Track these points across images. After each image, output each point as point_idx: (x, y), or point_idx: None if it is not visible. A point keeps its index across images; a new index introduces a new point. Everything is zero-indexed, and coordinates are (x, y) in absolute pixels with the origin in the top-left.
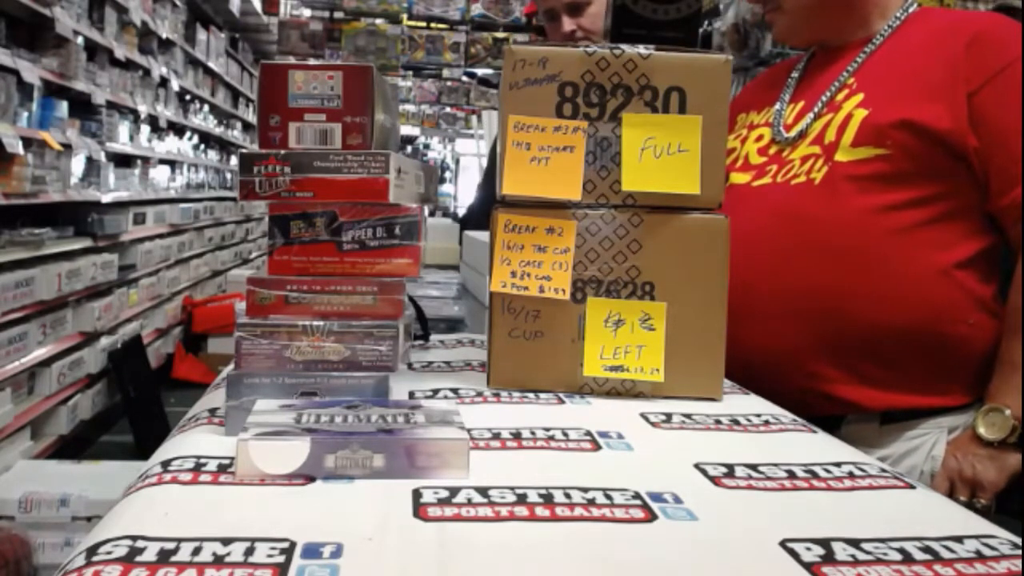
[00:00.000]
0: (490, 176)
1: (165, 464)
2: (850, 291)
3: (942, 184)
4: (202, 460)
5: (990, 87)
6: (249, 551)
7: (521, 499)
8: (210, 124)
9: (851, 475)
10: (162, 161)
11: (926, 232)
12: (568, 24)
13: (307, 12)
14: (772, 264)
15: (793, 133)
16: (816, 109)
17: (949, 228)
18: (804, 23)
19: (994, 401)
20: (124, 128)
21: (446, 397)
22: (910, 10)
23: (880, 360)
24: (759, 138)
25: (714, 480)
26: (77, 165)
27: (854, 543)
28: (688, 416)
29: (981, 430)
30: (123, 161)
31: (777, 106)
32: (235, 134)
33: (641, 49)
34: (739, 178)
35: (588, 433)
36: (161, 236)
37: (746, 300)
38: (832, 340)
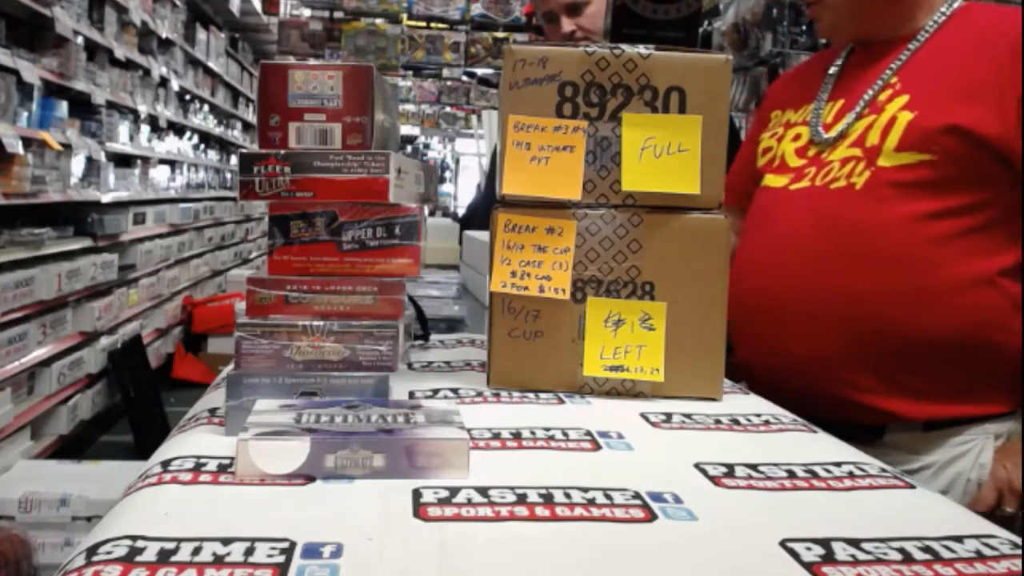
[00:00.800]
0: (492, 175)
1: (165, 464)
2: (891, 299)
3: (987, 191)
4: (202, 460)
5: None
6: (249, 551)
7: (521, 499)
8: (210, 124)
9: (851, 475)
10: (162, 161)
11: (970, 240)
12: (567, 25)
13: (307, 12)
14: (811, 270)
15: (833, 134)
16: (857, 109)
17: (993, 235)
18: (849, 18)
19: None
20: (124, 128)
21: (446, 397)
22: (954, 5)
23: (922, 370)
24: (796, 137)
25: (714, 480)
26: (77, 165)
27: (854, 543)
28: (688, 416)
29: None
30: (123, 161)
31: (815, 104)
32: (235, 134)
33: (641, 49)
34: (776, 181)
35: (588, 433)
36: (161, 236)
37: (782, 306)
38: (872, 349)
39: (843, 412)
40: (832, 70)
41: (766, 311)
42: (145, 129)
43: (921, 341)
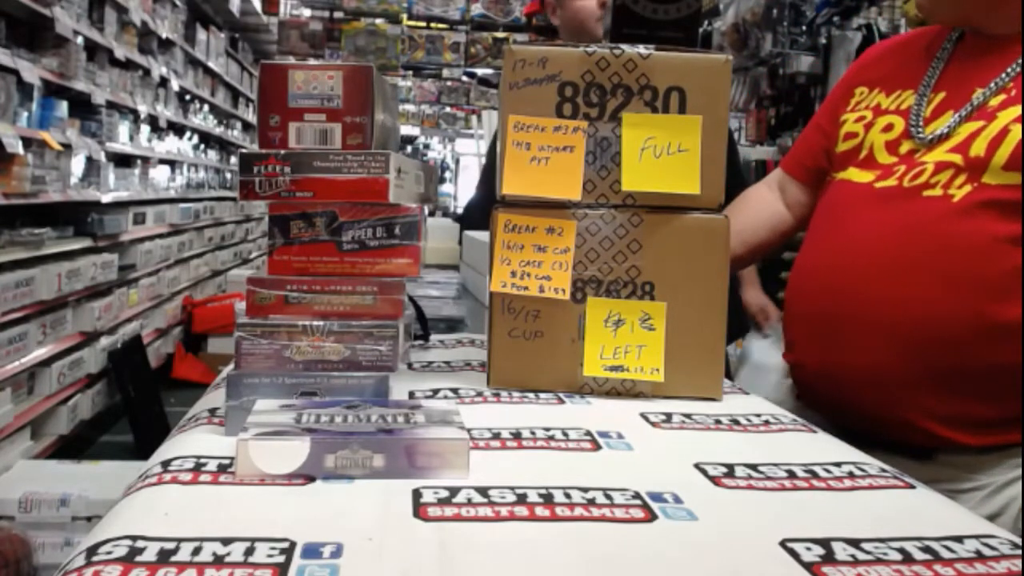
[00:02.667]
0: (489, 173)
1: (165, 464)
2: (966, 323)
3: None
4: (202, 460)
5: None
6: (249, 551)
7: (521, 499)
8: (210, 124)
9: (851, 475)
10: (162, 161)
11: None
12: None
13: (307, 12)
14: (885, 279)
15: (932, 134)
16: (964, 111)
17: None
18: None
19: None
20: (124, 128)
21: (446, 397)
22: None
23: (983, 398)
24: (888, 128)
25: (714, 480)
26: (77, 165)
27: (854, 543)
28: (688, 416)
29: None
30: (123, 161)
31: (918, 94)
32: (235, 134)
33: (641, 49)
34: (861, 176)
35: (588, 433)
36: (161, 236)
37: (848, 313)
38: (937, 371)
39: (895, 432)
40: (939, 59)
41: (828, 315)
42: (145, 129)
43: (988, 370)
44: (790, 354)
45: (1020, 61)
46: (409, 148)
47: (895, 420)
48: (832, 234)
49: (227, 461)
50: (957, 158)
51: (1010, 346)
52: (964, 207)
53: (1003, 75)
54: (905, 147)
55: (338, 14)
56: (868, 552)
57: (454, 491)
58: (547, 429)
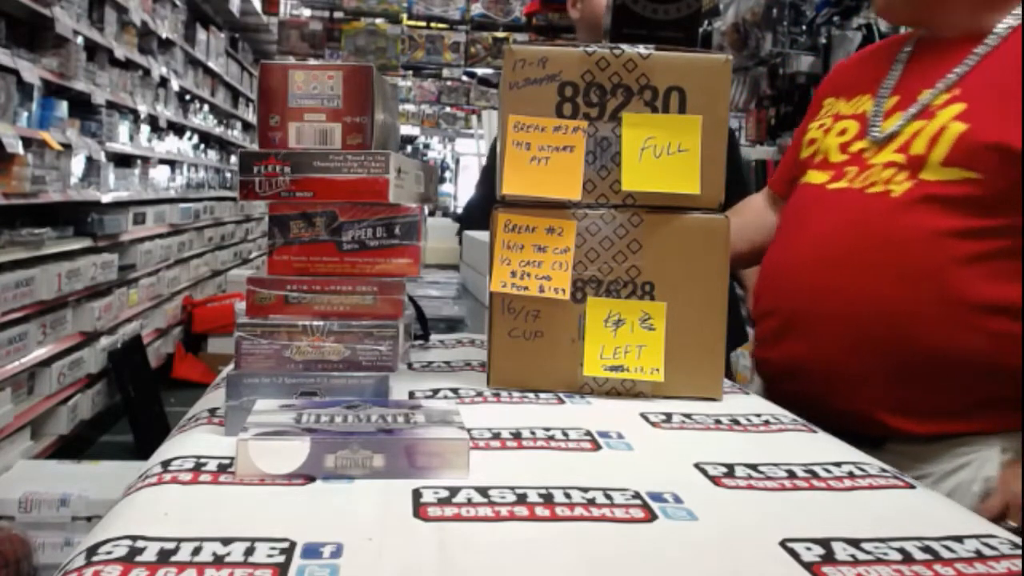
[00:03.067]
0: (489, 173)
1: (165, 464)
2: (912, 314)
3: None
4: (202, 460)
5: None
6: (249, 551)
7: (521, 499)
8: (210, 124)
9: (851, 475)
10: (162, 161)
11: (1000, 263)
12: None
13: (307, 12)
14: (835, 276)
15: (882, 134)
16: (911, 112)
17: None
18: None
19: None
20: (124, 128)
21: (446, 397)
22: None
23: (933, 388)
24: (843, 132)
25: (714, 480)
26: (77, 165)
27: (854, 543)
28: (688, 416)
29: None
30: (123, 161)
31: (874, 101)
32: (235, 134)
33: (641, 49)
34: (817, 177)
35: (588, 433)
36: (161, 236)
37: (802, 308)
38: (886, 362)
39: (850, 422)
40: (897, 62)
41: (787, 312)
42: (145, 129)
43: (936, 360)
44: (757, 350)
45: (968, 62)
46: (409, 148)
47: (850, 411)
48: (792, 234)
49: (227, 461)
50: (900, 157)
51: (951, 338)
52: (904, 203)
53: (949, 76)
54: (856, 148)
55: (338, 14)
56: (868, 552)
57: (454, 491)
58: (547, 429)
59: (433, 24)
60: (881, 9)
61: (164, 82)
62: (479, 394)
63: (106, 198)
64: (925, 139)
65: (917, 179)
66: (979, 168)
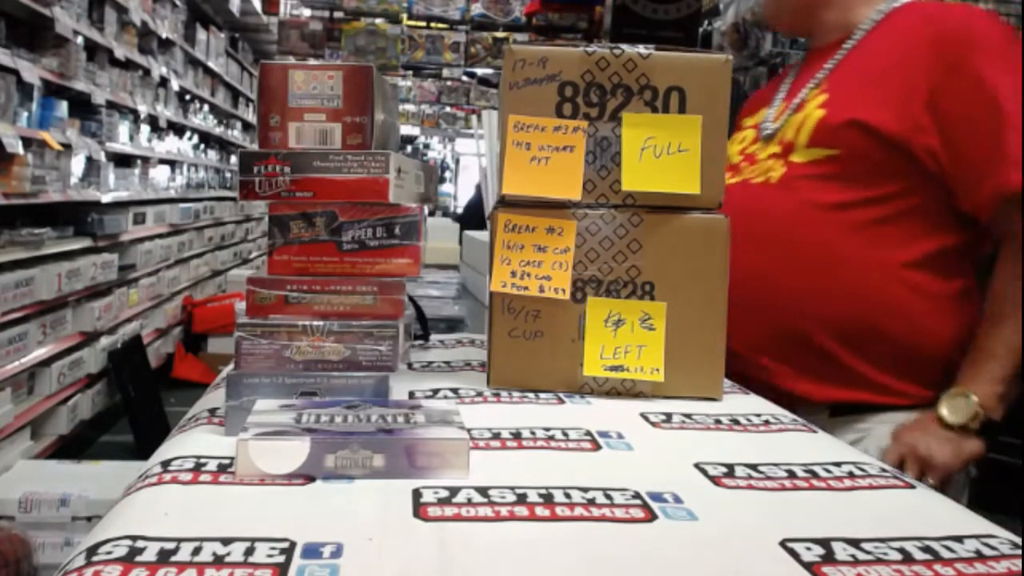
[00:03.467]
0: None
1: (165, 464)
2: (802, 286)
3: (896, 184)
4: (202, 460)
5: (951, 85)
6: (249, 551)
7: (521, 499)
8: (210, 124)
9: (851, 475)
10: (162, 161)
11: (880, 229)
12: None
13: (307, 12)
14: (744, 259)
15: (768, 132)
16: (791, 110)
17: (905, 226)
18: (783, 3)
19: (962, 386)
20: (124, 128)
21: (446, 397)
22: (894, 3)
23: (826, 354)
24: (743, 140)
25: (714, 480)
26: (77, 165)
27: (854, 543)
28: (688, 416)
29: (944, 412)
30: (123, 161)
31: (768, 108)
32: (235, 134)
33: (641, 49)
34: (728, 181)
35: (588, 433)
36: (161, 236)
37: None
38: (783, 333)
39: (771, 396)
40: (789, 75)
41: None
42: (145, 129)
43: (826, 326)
44: None
45: (836, 58)
46: (409, 148)
47: (754, 383)
48: None
49: (227, 461)
50: (778, 148)
51: (838, 304)
52: (779, 185)
53: (819, 73)
54: (751, 149)
55: (338, 14)
56: (868, 552)
57: (454, 491)
58: (547, 429)
59: (433, 24)
60: (770, 19)
61: (164, 82)
62: (479, 394)
63: (106, 198)
64: (794, 128)
65: (788, 162)
66: (837, 145)
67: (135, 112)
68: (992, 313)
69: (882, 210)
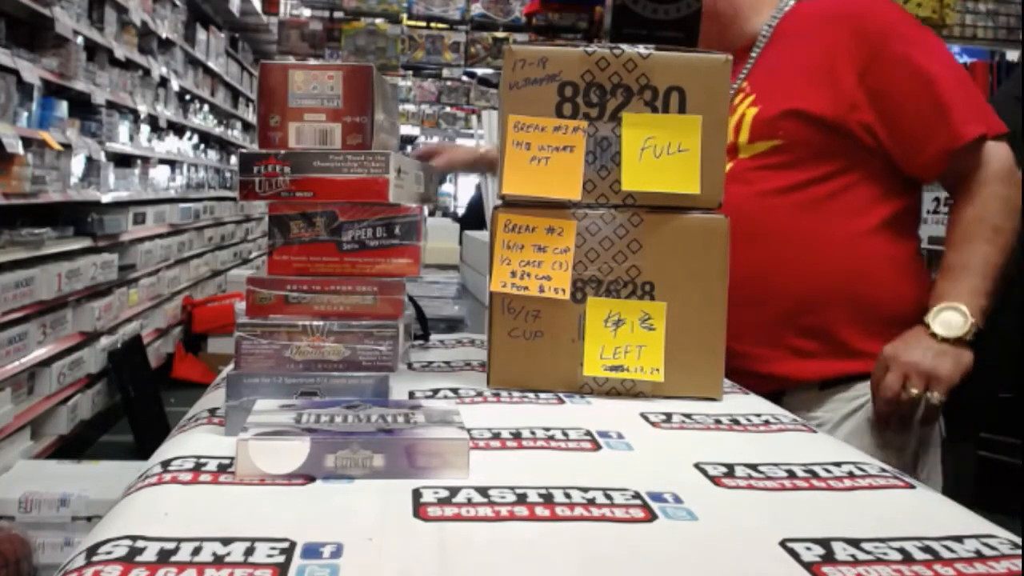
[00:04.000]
0: None
1: (165, 464)
2: (768, 270)
3: (839, 161)
4: (202, 460)
5: (879, 62)
6: (249, 551)
7: (521, 499)
8: (210, 124)
9: (851, 475)
10: (162, 161)
11: (832, 204)
12: None
13: (307, 12)
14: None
15: None
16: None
17: (856, 197)
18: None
19: (946, 301)
20: (124, 128)
21: (446, 397)
22: (786, 8)
23: (807, 332)
24: None
25: (714, 480)
26: (77, 165)
27: (854, 543)
28: (688, 416)
29: (938, 329)
30: (123, 161)
31: None
32: (235, 134)
33: (641, 49)
34: None
35: (588, 433)
36: (161, 236)
37: None
38: (763, 319)
39: (747, 380)
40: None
41: None
42: (145, 129)
43: (801, 305)
44: None
45: (749, 63)
46: (409, 148)
47: (741, 373)
48: None
49: (227, 461)
50: None
51: (806, 282)
52: (731, 179)
53: (739, 79)
54: None
55: (338, 14)
56: (868, 552)
57: (454, 491)
58: (547, 429)
59: (433, 24)
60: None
61: (164, 82)
62: (479, 394)
63: (106, 198)
64: (732, 131)
65: (736, 160)
66: (777, 135)
67: (135, 112)
68: (960, 237)
69: (830, 186)
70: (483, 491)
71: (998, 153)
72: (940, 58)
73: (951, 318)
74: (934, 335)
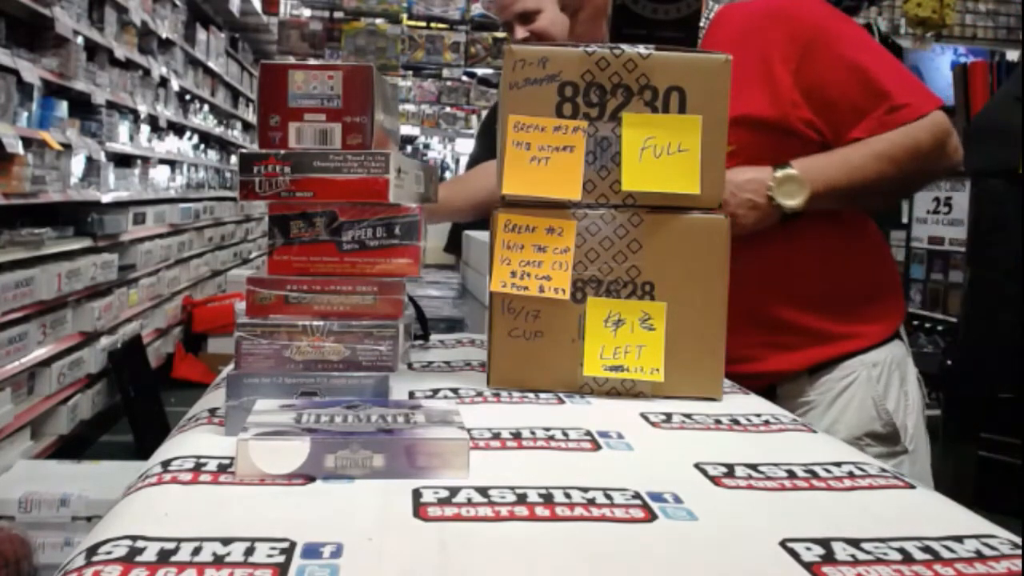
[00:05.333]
0: (488, 126)
1: (165, 464)
2: (745, 271)
3: (790, 158)
4: (202, 460)
5: (810, 60)
6: (249, 551)
7: (521, 499)
8: (210, 124)
9: (851, 475)
10: (162, 161)
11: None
12: (520, 32)
13: (307, 12)
14: None
15: None
16: None
17: None
18: None
19: (793, 169)
20: (124, 128)
21: (446, 397)
22: (712, 13)
23: (783, 327)
24: None
25: (714, 480)
26: (77, 165)
27: (854, 543)
28: (688, 416)
29: (782, 200)
30: (123, 161)
31: None
32: (235, 134)
33: (641, 49)
34: None
35: (588, 433)
36: (161, 236)
37: None
38: (745, 323)
39: (749, 382)
40: None
41: None
42: (145, 129)
43: (774, 304)
44: None
45: None
46: (409, 148)
47: (735, 373)
48: None
49: (227, 461)
50: None
51: (782, 278)
52: None
53: None
54: None
55: (338, 14)
56: (868, 552)
57: (454, 491)
58: (547, 429)
59: (433, 24)
60: None
61: (164, 82)
62: (479, 394)
63: (106, 198)
64: None
65: None
66: (730, 142)
67: (135, 112)
68: (858, 144)
69: None
70: (483, 491)
71: (935, 120)
72: (869, 48)
73: (793, 190)
74: (772, 200)
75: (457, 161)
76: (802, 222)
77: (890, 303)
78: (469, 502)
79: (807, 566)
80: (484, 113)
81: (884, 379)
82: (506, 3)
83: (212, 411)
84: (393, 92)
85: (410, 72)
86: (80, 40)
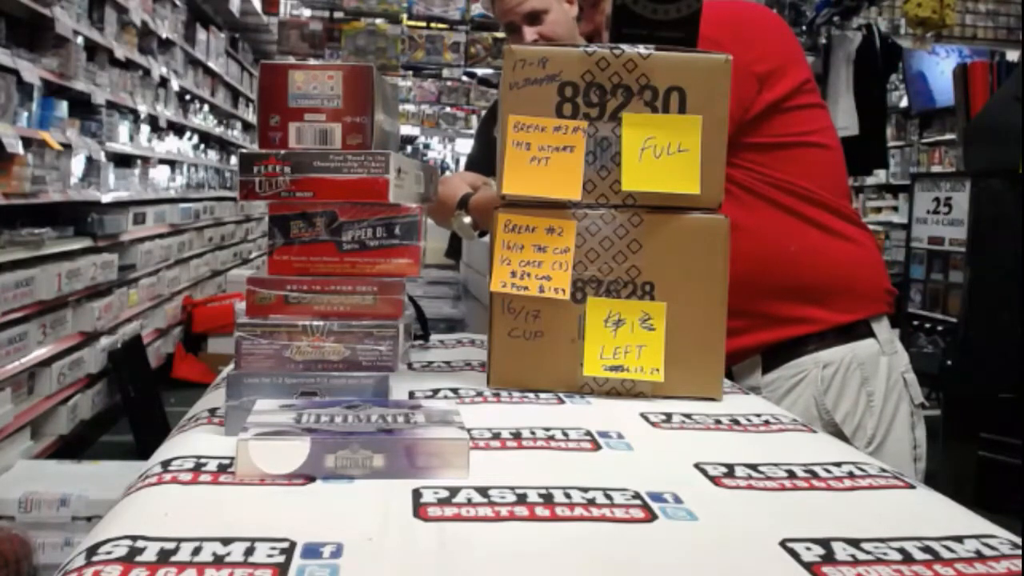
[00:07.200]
0: (484, 129)
1: (165, 464)
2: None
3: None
4: (202, 460)
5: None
6: (249, 551)
7: (521, 499)
8: (210, 124)
9: (851, 475)
10: (162, 161)
11: (748, 196)
12: (529, 34)
13: (307, 12)
14: None
15: None
16: None
17: (754, 189)
18: None
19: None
20: (124, 128)
21: (446, 397)
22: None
23: (733, 313)
24: None
25: (714, 480)
26: (77, 165)
27: (854, 543)
28: (688, 416)
29: (455, 224)
30: (123, 161)
31: None
32: (235, 134)
33: (641, 49)
34: None
35: (588, 433)
36: (161, 236)
37: None
38: (743, 310)
39: None
40: None
41: None
42: (145, 129)
43: (757, 294)
44: None
45: None
46: (409, 148)
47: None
48: None
49: (227, 461)
50: None
51: (757, 272)
52: None
53: None
54: None
55: (338, 14)
56: (868, 552)
57: (454, 491)
58: (547, 429)
59: (433, 24)
60: None
61: (164, 82)
62: (479, 394)
63: (106, 198)
64: None
65: None
66: None
67: (135, 112)
68: None
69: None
70: (483, 491)
71: None
72: None
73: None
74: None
75: (457, 161)
76: (744, 211)
77: (858, 296)
78: (469, 502)
79: (807, 566)
80: (484, 113)
81: (838, 379)
82: (512, 5)
83: (212, 411)
84: (393, 92)
85: (410, 72)
86: (80, 40)
